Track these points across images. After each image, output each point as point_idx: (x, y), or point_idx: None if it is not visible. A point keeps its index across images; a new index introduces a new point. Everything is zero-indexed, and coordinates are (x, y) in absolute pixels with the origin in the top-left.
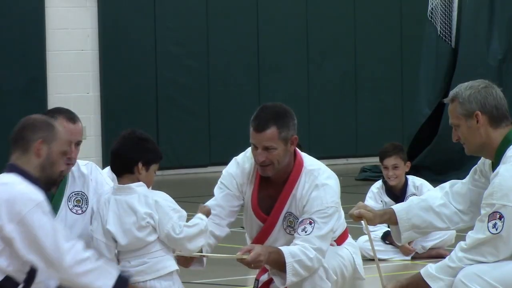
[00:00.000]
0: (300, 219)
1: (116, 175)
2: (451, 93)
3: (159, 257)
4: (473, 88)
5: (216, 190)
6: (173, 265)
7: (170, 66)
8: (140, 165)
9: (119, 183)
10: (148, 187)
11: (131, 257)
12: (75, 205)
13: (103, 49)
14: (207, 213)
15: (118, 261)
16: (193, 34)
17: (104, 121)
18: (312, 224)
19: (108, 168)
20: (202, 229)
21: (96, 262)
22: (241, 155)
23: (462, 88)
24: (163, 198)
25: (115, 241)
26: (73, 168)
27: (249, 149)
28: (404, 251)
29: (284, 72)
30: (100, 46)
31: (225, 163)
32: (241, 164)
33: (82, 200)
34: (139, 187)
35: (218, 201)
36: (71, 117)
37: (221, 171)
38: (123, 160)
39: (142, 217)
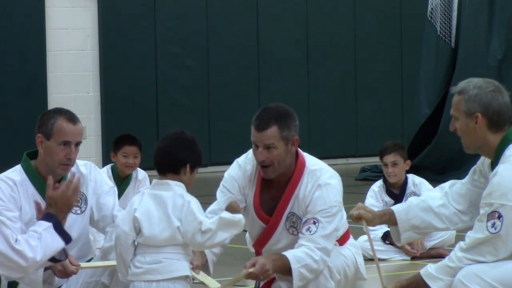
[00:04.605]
0: (304, 219)
1: (159, 172)
2: (461, 84)
3: (175, 259)
4: (482, 88)
5: (218, 193)
6: (186, 270)
7: (170, 66)
8: (188, 167)
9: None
10: (188, 188)
11: (148, 252)
12: (74, 205)
13: (103, 49)
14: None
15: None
16: (193, 34)
17: (104, 121)
18: (316, 224)
19: (106, 168)
20: (232, 220)
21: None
22: (243, 156)
23: (471, 85)
24: (196, 202)
25: (138, 232)
26: (72, 169)
27: (250, 151)
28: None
29: (284, 72)
30: (100, 46)
31: (225, 163)
32: (243, 166)
33: (81, 200)
34: (177, 186)
35: (221, 205)
36: (71, 118)
37: (221, 171)
38: (172, 159)
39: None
